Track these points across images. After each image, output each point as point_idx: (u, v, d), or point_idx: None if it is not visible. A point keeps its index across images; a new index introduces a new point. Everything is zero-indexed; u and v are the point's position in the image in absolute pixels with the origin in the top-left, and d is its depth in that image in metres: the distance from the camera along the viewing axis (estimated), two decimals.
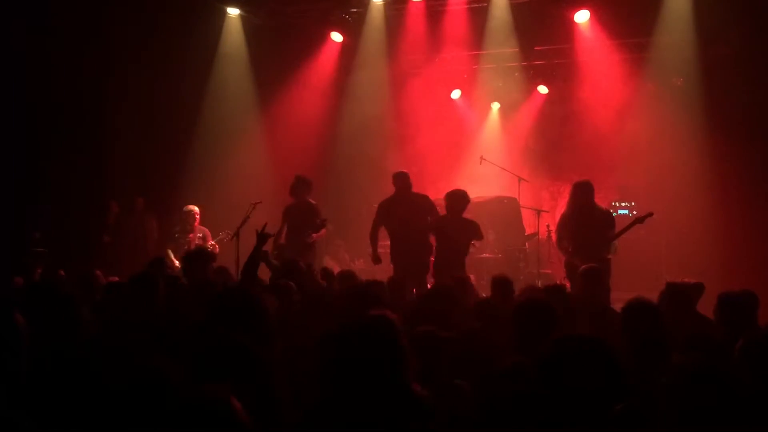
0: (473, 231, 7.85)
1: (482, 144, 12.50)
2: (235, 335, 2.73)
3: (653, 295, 5.14)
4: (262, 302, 3.45)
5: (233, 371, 2.51)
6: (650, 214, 7.71)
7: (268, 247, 7.93)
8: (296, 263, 6.06)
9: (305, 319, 4.63)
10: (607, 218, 7.58)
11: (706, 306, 4.96)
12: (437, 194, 8.78)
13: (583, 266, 5.95)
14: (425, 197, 8.19)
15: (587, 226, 7.38)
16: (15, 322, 2.64)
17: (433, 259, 7.97)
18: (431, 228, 7.93)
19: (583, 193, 7.57)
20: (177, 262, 8.18)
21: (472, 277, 7.19)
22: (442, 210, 7.99)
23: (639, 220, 7.67)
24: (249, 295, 3.50)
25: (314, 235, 8.29)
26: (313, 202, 8.64)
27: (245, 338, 2.70)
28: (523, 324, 3.54)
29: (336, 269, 7.73)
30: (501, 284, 5.49)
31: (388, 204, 8.13)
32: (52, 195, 9.50)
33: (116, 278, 6.73)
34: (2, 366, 2.53)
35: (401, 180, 8.08)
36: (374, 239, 8.17)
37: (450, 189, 8.15)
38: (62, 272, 6.81)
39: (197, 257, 6.18)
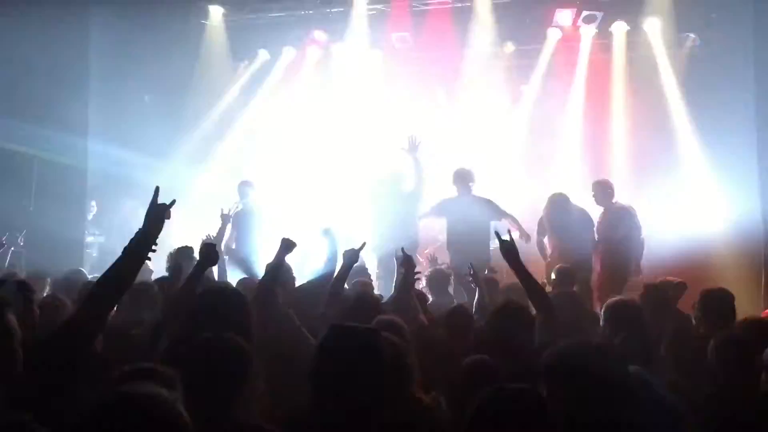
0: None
1: (466, 144, 12.46)
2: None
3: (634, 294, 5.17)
4: (242, 303, 3.37)
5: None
6: None
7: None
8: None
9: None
10: (585, 218, 7.63)
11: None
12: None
13: (557, 266, 6.02)
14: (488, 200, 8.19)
15: (567, 230, 7.44)
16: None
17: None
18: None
19: (556, 205, 7.66)
20: None
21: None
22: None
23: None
24: (230, 295, 3.42)
25: None
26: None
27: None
28: (499, 328, 3.48)
29: None
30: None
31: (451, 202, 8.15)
32: (32, 194, 9.43)
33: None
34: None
35: (461, 178, 8.14)
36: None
37: (435, 189, 8.17)
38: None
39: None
